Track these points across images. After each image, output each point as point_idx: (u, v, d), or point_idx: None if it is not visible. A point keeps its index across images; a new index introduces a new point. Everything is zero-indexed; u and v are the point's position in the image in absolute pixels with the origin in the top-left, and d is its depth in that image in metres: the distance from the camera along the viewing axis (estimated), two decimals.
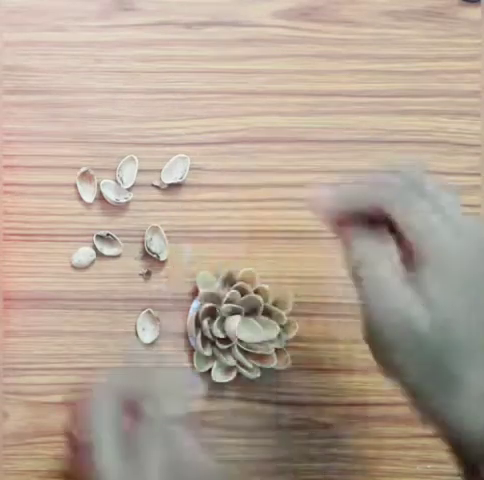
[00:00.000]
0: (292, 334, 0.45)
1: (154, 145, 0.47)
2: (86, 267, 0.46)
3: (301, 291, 0.46)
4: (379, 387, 0.47)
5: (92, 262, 0.46)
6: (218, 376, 0.45)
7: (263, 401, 0.47)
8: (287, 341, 0.45)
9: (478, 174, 0.48)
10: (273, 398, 0.47)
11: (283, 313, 0.45)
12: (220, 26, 0.47)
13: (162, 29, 0.47)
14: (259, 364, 0.44)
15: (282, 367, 0.45)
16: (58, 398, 0.46)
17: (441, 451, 0.47)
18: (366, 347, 0.47)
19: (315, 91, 0.48)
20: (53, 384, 0.46)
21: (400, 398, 0.47)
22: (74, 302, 0.46)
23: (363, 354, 0.47)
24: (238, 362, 0.44)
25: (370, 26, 0.48)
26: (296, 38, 0.47)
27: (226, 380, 0.45)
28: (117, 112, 0.47)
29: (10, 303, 0.46)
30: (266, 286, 0.45)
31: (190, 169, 0.47)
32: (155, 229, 0.46)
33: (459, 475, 0.31)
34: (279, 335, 0.45)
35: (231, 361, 0.44)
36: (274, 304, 0.45)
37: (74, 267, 0.46)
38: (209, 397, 0.47)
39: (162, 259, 0.46)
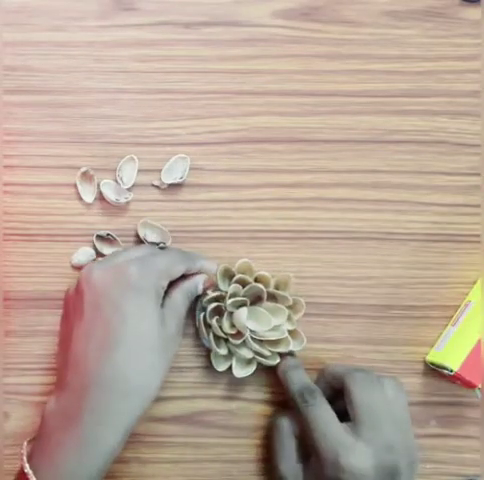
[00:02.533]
0: (301, 313, 0.45)
1: (154, 145, 0.47)
2: None
3: (301, 291, 0.47)
4: None
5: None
6: (239, 371, 0.45)
7: (262, 401, 0.47)
8: (298, 321, 0.45)
9: (478, 174, 0.48)
10: (272, 398, 0.47)
11: (287, 294, 0.45)
12: (220, 26, 0.47)
13: (162, 29, 0.47)
14: (276, 349, 0.44)
15: (299, 348, 0.45)
16: None
17: (441, 451, 0.48)
18: (366, 347, 0.47)
19: (315, 91, 0.48)
20: (53, 384, 0.46)
21: None
22: None
23: (363, 354, 0.47)
24: (255, 353, 0.44)
25: (370, 26, 0.48)
26: (296, 38, 0.47)
27: (248, 374, 0.45)
28: (117, 112, 0.47)
29: (10, 303, 0.46)
30: (265, 272, 0.45)
31: (190, 169, 0.47)
32: (145, 224, 0.46)
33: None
34: (289, 316, 0.45)
35: (248, 353, 0.44)
36: (276, 288, 0.45)
37: (74, 267, 0.46)
38: (209, 397, 0.47)
39: (168, 244, 0.46)
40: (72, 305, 0.40)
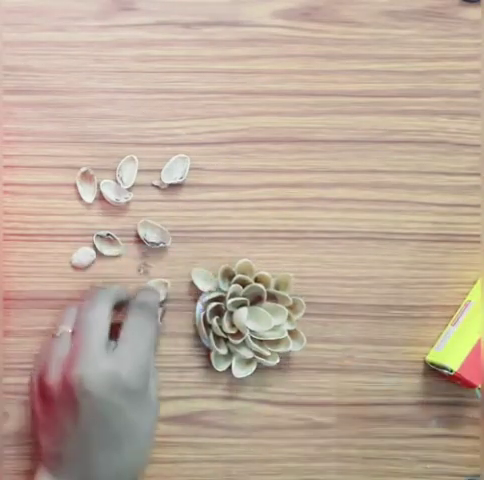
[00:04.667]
0: (301, 313, 0.45)
1: (154, 145, 0.47)
2: (86, 267, 0.46)
3: (301, 291, 0.47)
4: (379, 387, 0.47)
5: (92, 262, 0.46)
6: (239, 372, 0.45)
7: (262, 401, 0.47)
8: (298, 321, 0.45)
9: (478, 174, 0.48)
10: (272, 398, 0.47)
11: (287, 295, 0.45)
12: (220, 26, 0.47)
13: (162, 29, 0.47)
14: (275, 349, 0.44)
15: (298, 348, 0.45)
16: None
17: (441, 451, 0.48)
18: (366, 347, 0.47)
19: (315, 91, 0.48)
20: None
21: (400, 398, 0.48)
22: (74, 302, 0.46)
23: (363, 354, 0.47)
24: (255, 353, 0.44)
25: (370, 26, 0.48)
26: (296, 38, 0.47)
27: (248, 374, 0.45)
28: (117, 112, 0.47)
29: (10, 303, 0.46)
30: (265, 273, 0.45)
31: (190, 169, 0.47)
32: (145, 224, 0.46)
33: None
34: (289, 316, 0.45)
35: (248, 354, 0.44)
36: (276, 288, 0.45)
37: (74, 267, 0.46)
38: (209, 397, 0.47)
39: (168, 244, 0.46)
40: (60, 402, 0.40)
